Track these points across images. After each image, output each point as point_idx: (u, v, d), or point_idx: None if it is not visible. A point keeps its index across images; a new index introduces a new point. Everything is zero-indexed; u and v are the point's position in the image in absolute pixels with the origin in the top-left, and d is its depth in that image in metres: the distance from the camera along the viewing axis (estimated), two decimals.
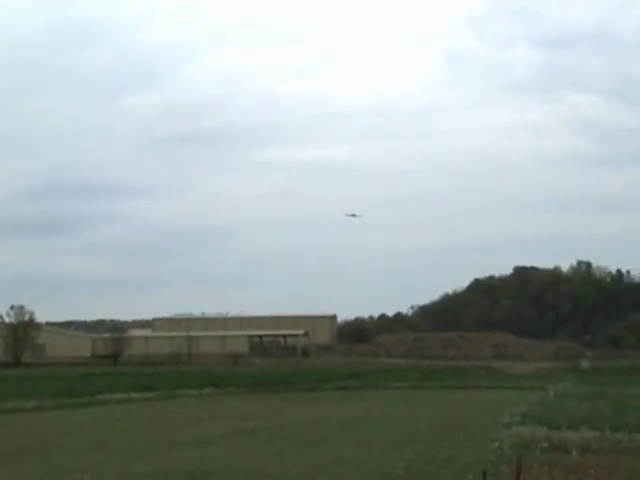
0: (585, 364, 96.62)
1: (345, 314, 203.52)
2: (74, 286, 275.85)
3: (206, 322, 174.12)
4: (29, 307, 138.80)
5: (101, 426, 36.32)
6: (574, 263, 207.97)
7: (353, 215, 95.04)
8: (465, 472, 20.72)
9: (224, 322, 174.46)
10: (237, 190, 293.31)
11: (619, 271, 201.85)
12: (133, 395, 56.28)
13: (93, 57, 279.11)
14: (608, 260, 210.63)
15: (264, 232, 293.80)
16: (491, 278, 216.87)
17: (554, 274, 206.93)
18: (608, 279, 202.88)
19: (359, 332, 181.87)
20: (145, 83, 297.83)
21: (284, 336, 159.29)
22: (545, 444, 24.84)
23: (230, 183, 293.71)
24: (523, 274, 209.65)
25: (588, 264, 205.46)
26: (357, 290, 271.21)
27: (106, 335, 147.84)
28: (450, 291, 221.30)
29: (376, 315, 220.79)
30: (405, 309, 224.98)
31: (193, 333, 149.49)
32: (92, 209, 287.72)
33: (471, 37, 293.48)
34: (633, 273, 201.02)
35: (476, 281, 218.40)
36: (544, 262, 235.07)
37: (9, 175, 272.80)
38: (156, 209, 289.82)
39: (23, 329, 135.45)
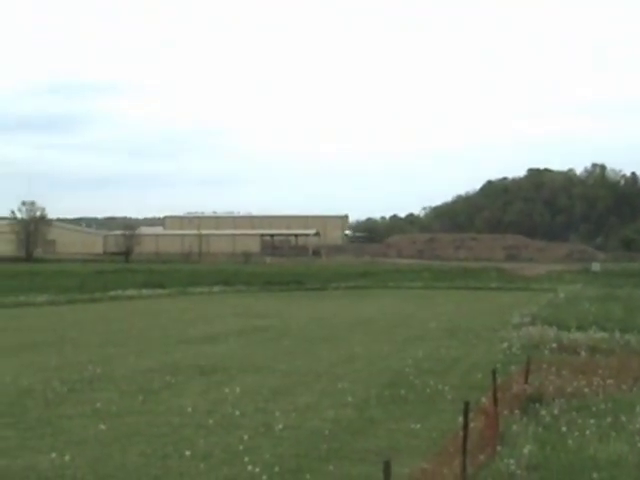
0: (596, 267, 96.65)
1: (357, 215, 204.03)
2: (85, 183, 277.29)
3: (217, 221, 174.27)
4: (40, 203, 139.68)
5: (112, 321, 36.71)
6: (588, 166, 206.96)
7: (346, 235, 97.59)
8: (474, 371, 20.91)
9: (235, 221, 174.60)
10: (247, 90, 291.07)
11: (634, 174, 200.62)
12: (144, 292, 56.73)
13: None
14: (623, 163, 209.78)
15: (275, 133, 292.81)
16: (504, 180, 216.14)
17: (568, 176, 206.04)
18: (622, 182, 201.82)
19: (370, 232, 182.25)
20: None
21: (295, 235, 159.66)
22: (554, 345, 24.99)
23: (237, 83, 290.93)
24: (537, 176, 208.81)
25: (602, 167, 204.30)
26: (369, 191, 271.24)
27: (117, 232, 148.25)
28: (463, 193, 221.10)
29: (388, 216, 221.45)
30: (417, 210, 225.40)
31: (204, 231, 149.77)
32: (98, 106, 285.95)
33: None
34: None
35: (489, 183, 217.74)
36: (558, 164, 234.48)
37: (11, 69, 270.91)
38: (165, 108, 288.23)
39: (34, 225, 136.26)
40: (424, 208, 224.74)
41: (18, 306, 44.99)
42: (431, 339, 29.19)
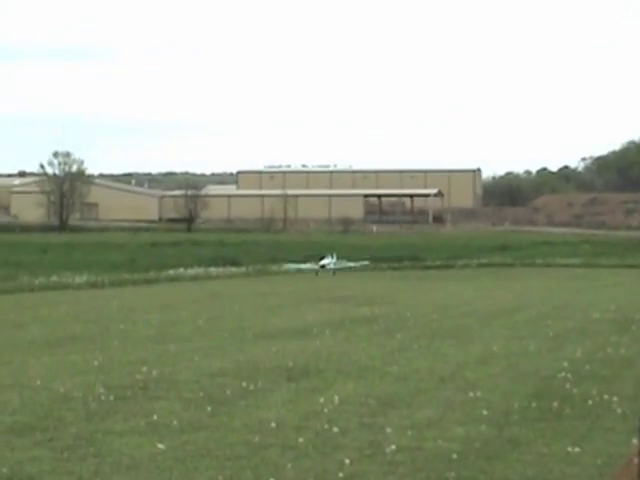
0: None
1: (493, 168, 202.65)
2: (135, 130, 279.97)
3: (307, 177, 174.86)
4: (77, 154, 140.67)
5: (171, 309, 37.15)
6: None
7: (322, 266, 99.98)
8: None
9: (331, 177, 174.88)
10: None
11: None
12: (212, 270, 57.34)
13: None
14: None
15: (384, 64, 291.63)
16: None
17: None
18: None
19: (511, 192, 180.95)
20: None
21: (411, 196, 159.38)
22: None
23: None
24: None
25: None
26: (509, 138, 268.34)
27: (177, 192, 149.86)
28: (637, 138, 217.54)
29: (534, 170, 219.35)
30: (574, 162, 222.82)
31: (290, 191, 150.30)
32: (152, 27, 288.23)
33: None
34: None
35: None
36: None
37: None
38: (241, 31, 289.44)
39: (70, 183, 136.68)
40: (584, 159, 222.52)
41: (50, 289, 45.94)
42: (594, 334, 28.89)
